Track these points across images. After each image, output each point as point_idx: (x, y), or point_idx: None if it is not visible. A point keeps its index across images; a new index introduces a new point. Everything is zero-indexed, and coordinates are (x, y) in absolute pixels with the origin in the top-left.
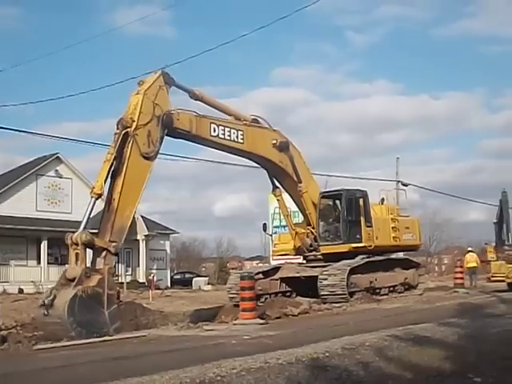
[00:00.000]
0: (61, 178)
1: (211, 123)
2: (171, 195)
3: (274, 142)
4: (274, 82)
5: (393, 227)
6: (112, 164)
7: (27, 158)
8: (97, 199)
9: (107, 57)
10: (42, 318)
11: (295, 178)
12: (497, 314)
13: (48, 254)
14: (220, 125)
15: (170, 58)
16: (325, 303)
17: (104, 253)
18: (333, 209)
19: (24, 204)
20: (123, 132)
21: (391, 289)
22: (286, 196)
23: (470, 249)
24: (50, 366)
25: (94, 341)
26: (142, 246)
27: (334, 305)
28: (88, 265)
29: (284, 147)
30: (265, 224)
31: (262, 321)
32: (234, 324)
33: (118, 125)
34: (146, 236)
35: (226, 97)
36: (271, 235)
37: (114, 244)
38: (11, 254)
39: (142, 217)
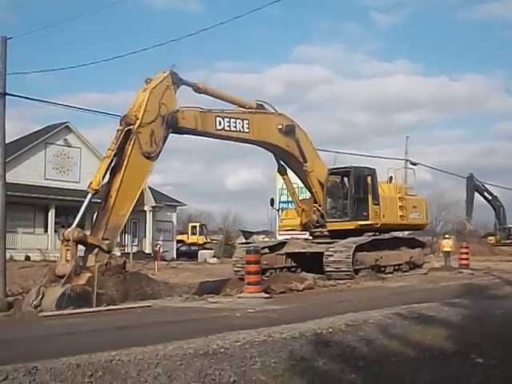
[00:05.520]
0: (70, 147)
1: (216, 116)
2: (184, 168)
3: (280, 126)
4: (295, 59)
5: (400, 206)
6: (112, 160)
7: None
8: (93, 195)
9: (132, 29)
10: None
11: (301, 160)
12: (501, 295)
13: (55, 223)
14: (225, 117)
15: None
16: (330, 279)
17: (96, 250)
18: (341, 186)
19: (32, 172)
20: (126, 129)
21: (396, 267)
22: (291, 172)
23: (446, 236)
24: (56, 333)
25: (99, 309)
26: (149, 217)
27: (339, 281)
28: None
29: (290, 131)
30: (272, 199)
31: (266, 295)
32: (239, 297)
33: (121, 121)
34: (153, 207)
35: (245, 72)
36: (278, 210)
37: (107, 242)
38: (19, 222)
39: (150, 188)
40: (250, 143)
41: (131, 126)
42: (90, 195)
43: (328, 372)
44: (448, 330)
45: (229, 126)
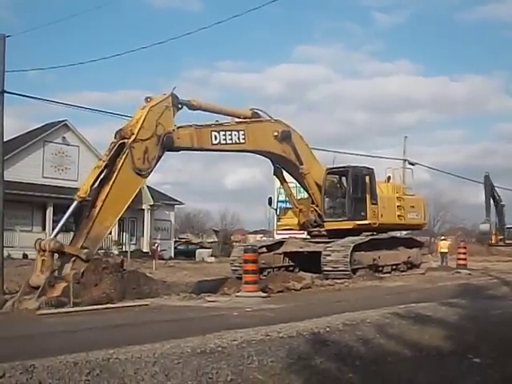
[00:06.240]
0: (68, 145)
1: (212, 131)
2: (183, 167)
3: (276, 133)
4: (295, 58)
5: (398, 205)
6: (102, 171)
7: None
8: (79, 203)
9: (133, 27)
10: None
11: (297, 163)
12: (499, 295)
13: (53, 221)
14: (220, 130)
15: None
16: (327, 279)
17: (74, 258)
18: (338, 185)
19: (31, 170)
20: (120, 142)
21: (394, 267)
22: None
23: (443, 237)
24: (53, 330)
25: (96, 308)
26: (147, 215)
27: (337, 281)
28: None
29: (286, 137)
30: (270, 198)
31: (264, 294)
32: (237, 296)
33: (116, 134)
34: (151, 206)
35: (246, 71)
36: (276, 209)
37: (85, 250)
38: (16, 220)
39: (148, 187)
40: (247, 152)
41: (125, 140)
42: (75, 203)
43: (325, 371)
44: (445, 329)
45: (224, 140)
